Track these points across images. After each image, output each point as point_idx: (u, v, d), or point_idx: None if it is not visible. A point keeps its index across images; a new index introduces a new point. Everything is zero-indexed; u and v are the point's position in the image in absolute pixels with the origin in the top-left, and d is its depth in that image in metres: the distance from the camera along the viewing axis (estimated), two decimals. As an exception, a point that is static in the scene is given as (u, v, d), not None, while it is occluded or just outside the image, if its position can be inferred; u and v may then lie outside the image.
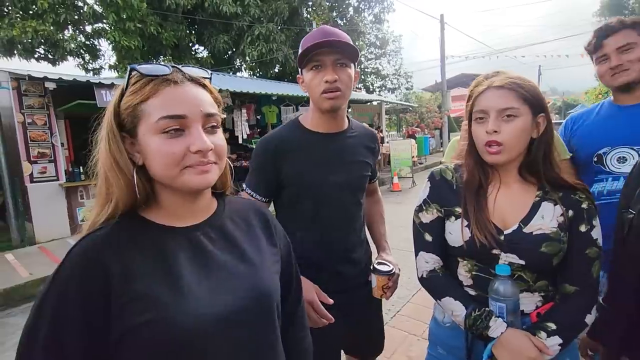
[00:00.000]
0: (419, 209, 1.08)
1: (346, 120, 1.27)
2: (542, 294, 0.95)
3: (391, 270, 1.22)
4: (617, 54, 1.27)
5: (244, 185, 1.28)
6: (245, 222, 0.78)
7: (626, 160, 1.28)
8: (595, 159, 1.33)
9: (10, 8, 9.36)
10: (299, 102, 9.14)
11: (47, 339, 0.54)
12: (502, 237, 0.93)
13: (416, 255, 1.08)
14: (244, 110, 7.90)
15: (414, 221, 1.09)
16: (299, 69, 1.19)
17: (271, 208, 1.23)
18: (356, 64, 1.18)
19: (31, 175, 5.36)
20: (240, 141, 8.05)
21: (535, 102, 0.92)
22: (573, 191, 0.95)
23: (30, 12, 9.51)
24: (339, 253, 1.24)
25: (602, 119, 1.38)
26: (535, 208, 0.94)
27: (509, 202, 0.96)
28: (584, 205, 0.94)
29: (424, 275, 1.05)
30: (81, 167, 6.05)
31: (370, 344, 1.43)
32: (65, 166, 5.78)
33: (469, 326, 0.92)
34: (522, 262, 0.91)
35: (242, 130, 7.87)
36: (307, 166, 1.17)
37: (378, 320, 1.44)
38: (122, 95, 0.63)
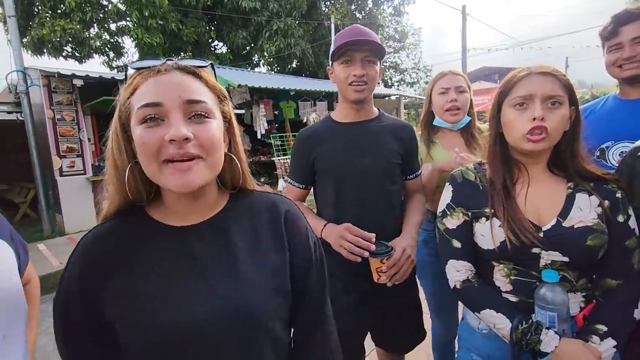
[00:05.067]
0: (443, 214, 1.02)
1: (375, 111, 1.36)
2: (584, 293, 0.89)
3: (387, 252, 1.10)
4: (632, 44, 1.17)
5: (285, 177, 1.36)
6: (252, 225, 0.70)
7: None
8: (597, 153, 1.26)
9: (40, 8, 9.74)
10: (317, 97, 9.12)
11: (60, 318, 0.61)
12: (540, 234, 0.87)
13: (445, 264, 1.02)
14: (262, 106, 7.95)
15: (438, 228, 1.05)
16: (330, 62, 1.31)
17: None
18: (381, 61, 1.29)
19: (60, 169, 5.59)
20: (258, 136, 8.13)
21: (572, 93, 0.89)
22: (604, 181, 0.90)
23: (59, 11, 9.87)
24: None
25: (606, 113, 1.31)
26: (570, 200, 0.89)
27: (541, 197, 0.91)
28: (619, 195, 0.89)
29: (457, 286, 0.98)
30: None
31: (399, 336, 1.38)
32: (91, 160, 6.00)
33: (517, 340, 0.85)
34: (566, 259, 0.86)
35: (261, 126, 7.94)
36: (333, 151, 1.28)
37: (409, 311, 1.37)
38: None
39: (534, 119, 0.85)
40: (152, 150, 0.56)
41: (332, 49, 1.26)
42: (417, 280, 1.36)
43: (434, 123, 1.60)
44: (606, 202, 0.88)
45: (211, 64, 0.66)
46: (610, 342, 0.82)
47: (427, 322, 1.89)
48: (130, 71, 0.63)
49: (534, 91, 0.87)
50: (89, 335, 0.60)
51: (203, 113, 0.60)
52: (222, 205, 0.70)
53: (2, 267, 0.51)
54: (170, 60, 0.62)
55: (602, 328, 0.83)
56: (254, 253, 0.67)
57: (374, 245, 1.11)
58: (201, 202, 0.66)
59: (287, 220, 0.73)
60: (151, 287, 0.59)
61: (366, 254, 1.10)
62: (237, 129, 0.71)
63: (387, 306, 1.30)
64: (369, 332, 1.42)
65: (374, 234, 1.14)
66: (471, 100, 1.61)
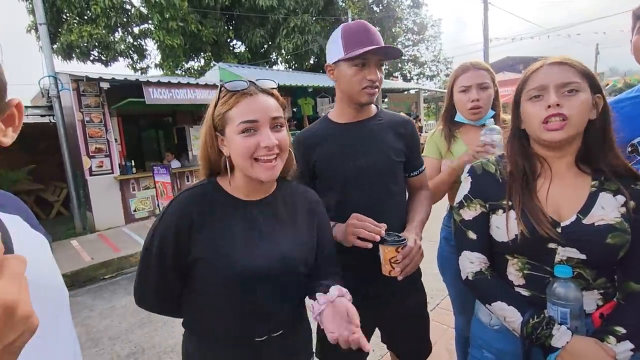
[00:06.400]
0: (460, 205, 1.02)
1: (373, 109, 1.31)
2: (602, 291, 0.87)
3: (401, 240, 1.06)
4: None
5: None
6: (293, 205, 0.97)
7: None
8: (629, 149, 1.20)
9: (68, 15, 10.17)
10: (335, 93, 9.10)
11: (157, 246, 0.85)
12: (558, 230, 0.85)
13: (459, 255, 1.02)
14: (280, 103, 8.03)
15: (454, 220, 1.05)
16: (333, 59, 1.20)
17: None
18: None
19: (90, 169, 5.85)
20: (277, 133, 8.22)
21: (593, 80, 0.86)
22: (633, 181, 0.87)
23: (85, 17, 10.27)
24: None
25: (637, 105, 1.24)
26: (592, 198, 0.86)
27: (563, 194, 0.89)
28: None
29: (470, 277, 0.98)
30: (132, 161, 6.50)
31: (403, 340, 1.36)
32: (118, 160, 6.24)
33: (527, 334, 0.85)
34: (583, 256, 0.84)
35: (279, 123, 8.02)
36: (332, 154, 1.23)
37: (416, 320, 1.35)
38: (215, 105, 0.86)
39: (549, 106, 0.84)
40: (250, 152, 0.82)
41: (341, 46, 1.16)
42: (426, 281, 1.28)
43: (456, 119, 1.55)
44: (631, 203, 0.84)
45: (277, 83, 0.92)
46: (627, 345, 0.79)
47: (451, 319, 1.87)
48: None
49: (547, 81, 0.85)
50: (172, 262, 0.84)
51: (280, 124, 0.87)
52: (273, 189, 0.96)
53: (47, 255, 0.56)
54: (252, 82, 0.85)
55: (621, 330, 0.81)
56: (294, 223, 0.95)
57: (384, 231, 1.07)
58: (263, 186, 0.92)
59: (316, 204, 1.03)
60: (227, 240, 0.84)
61: (377, 237, 1.05)
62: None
63: (392, 308, 1.27)
64: (381, 335, 1.38)
65: (385, 224, 1.09)
66: (497, 92, 1.54)
